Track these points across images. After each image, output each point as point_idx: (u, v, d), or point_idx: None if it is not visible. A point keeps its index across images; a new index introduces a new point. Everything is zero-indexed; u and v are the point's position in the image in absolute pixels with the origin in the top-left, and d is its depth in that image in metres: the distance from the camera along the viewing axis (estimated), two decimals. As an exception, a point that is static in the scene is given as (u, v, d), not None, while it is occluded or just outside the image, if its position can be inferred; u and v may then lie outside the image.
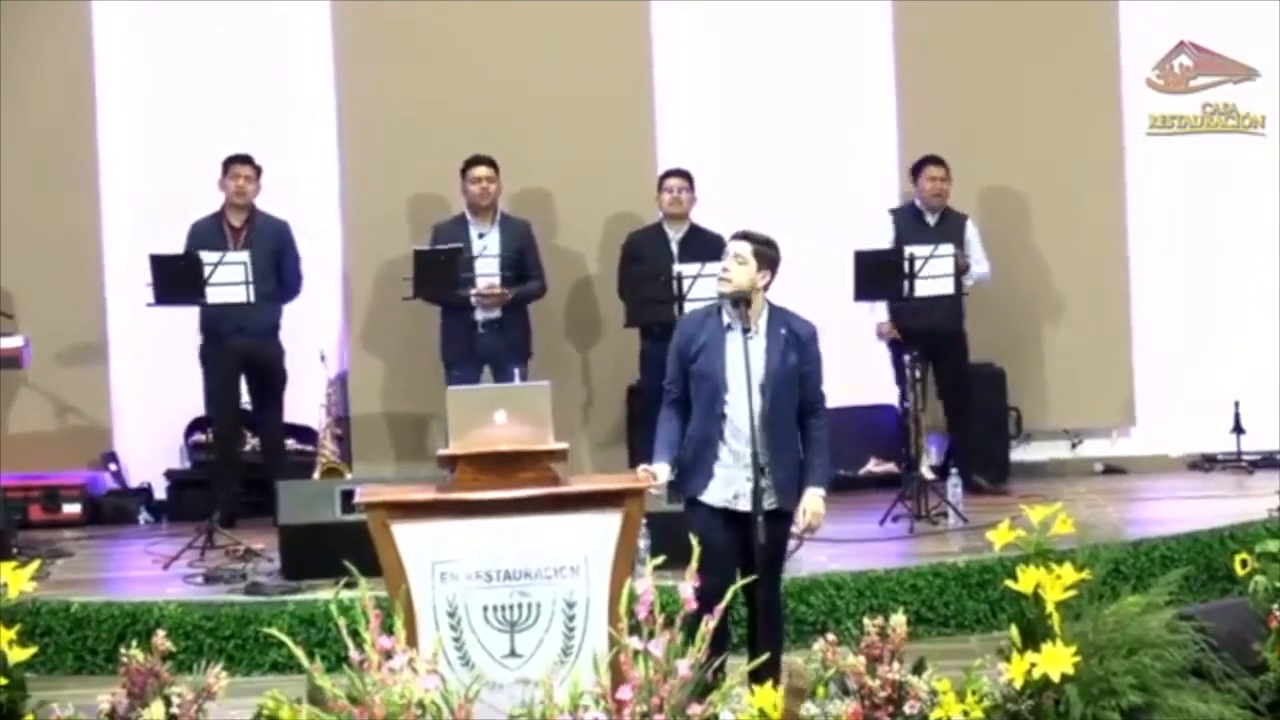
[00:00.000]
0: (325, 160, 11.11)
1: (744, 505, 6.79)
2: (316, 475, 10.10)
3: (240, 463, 10.48)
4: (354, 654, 6.18)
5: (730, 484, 6.84)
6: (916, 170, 10.66)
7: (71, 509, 10.69)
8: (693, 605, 6.21)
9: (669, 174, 10.41)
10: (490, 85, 10.91)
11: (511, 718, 6.32)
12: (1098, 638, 6.43)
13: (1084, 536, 6.83)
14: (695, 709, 6.09)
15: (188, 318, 10.13)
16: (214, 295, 9.55)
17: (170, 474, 11.01)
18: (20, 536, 9.73)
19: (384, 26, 10.98)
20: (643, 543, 7.13)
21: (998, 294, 10.97)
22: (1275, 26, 11.26)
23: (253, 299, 9.62)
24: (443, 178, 10.37)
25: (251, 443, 10.68)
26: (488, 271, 10.02)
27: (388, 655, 6.11)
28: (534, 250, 10.32)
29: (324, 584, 7.89)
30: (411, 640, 6.32)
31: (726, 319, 6.92)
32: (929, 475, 9.95)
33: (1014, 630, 6.47)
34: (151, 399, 11.07)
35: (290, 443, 10.76)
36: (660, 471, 6.84)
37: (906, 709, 6.33)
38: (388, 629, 6.25)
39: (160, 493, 11.00)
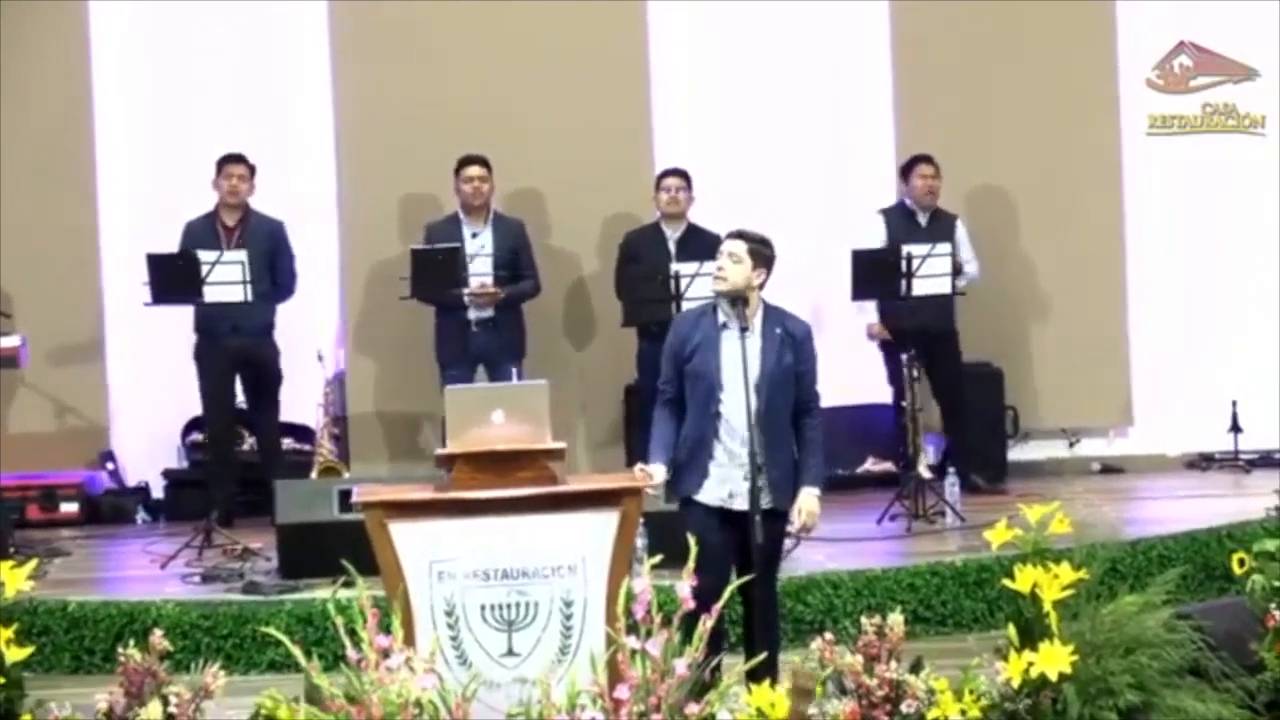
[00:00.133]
0: (323, 160, 11.10)
1: (739, 505, 6.79)
2: (314, 475, 10.10)
3: (237, 462, 10.48)
4: (351, 653, 6.18)
5: (725, 483, 6.84)
6: (907, 170, 10.66)
7: (69, 508, 10.69)
8: (690, 604, 6.22)
9: (666, 173, 10.41)
10: (488, 85, 10.90)
11: (509, 717, 6.32)
12: (1095, 637, 6.42)
13: (1081, 536, 6.83)
14: (692, 708, 6.09)
15: (185, 317, 10.13)
16: (211, 294, 9.55)
17: (168, 473, 11.01)
18: (18, 536, 9.74)
19: (381, 27, 10.97)
20: (640, 542, 7.14)
21: (996, 293, 10.97)
22: (1275, 26, 11.25)
23: (250, 298, 9.62)
24: (440, 178, 10.36)
25: (249, 442, 10.68)
26: (480, 271, 10.02)
27: (385, 654, 6.11)
28: (528, 250, 10.31)
29: (321, 583, 7.87)
30: (409, 639, 6.32)
31: (721, 318, 6.92)
32: (926, 474, 9.96)
33: (1011, 629, 6.47)
34: (149, 398, 11.08)
35: (288, 442, 10.77)
36: (656, 472, 6.84)
37: (904, 708, 6.32)
38: (385, 628, 6.25)
39: (158, 492, 11.00)
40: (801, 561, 8.57)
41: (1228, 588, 7.99)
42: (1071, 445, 11.46)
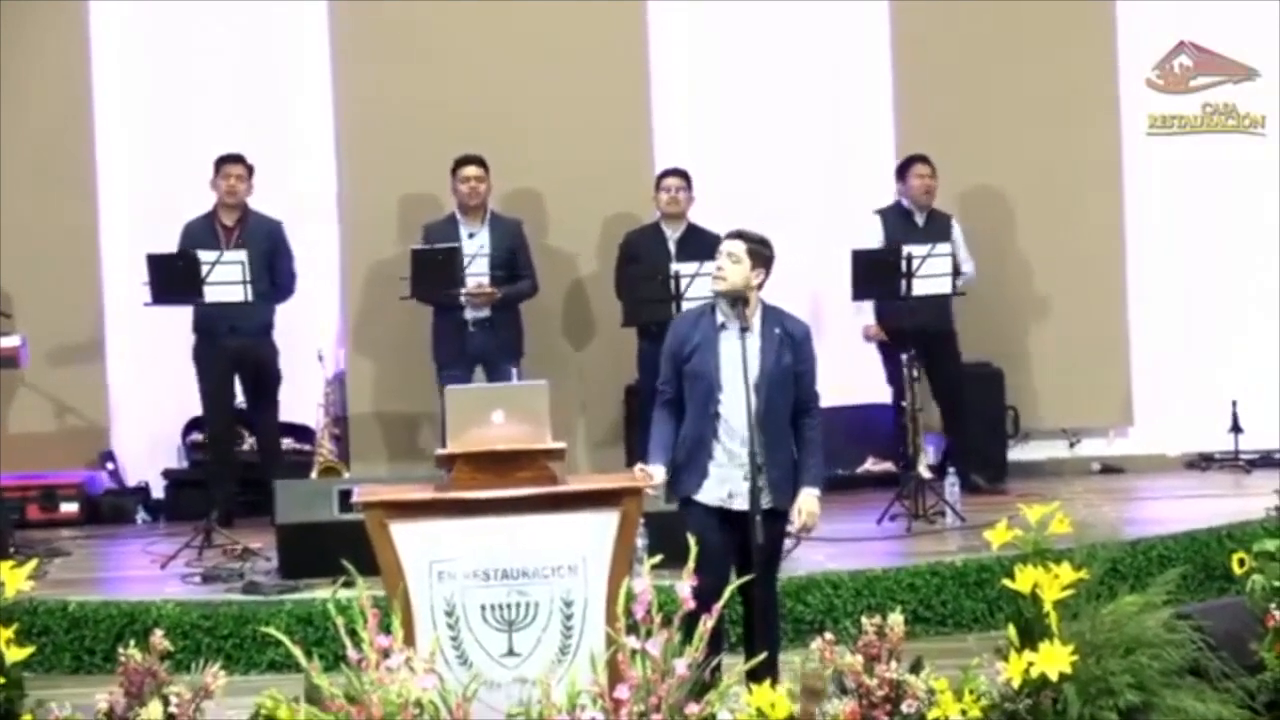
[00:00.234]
0: (323, 160, 11.10)
1: (739, 505, 6.79)
2: (314, 475, 10.10)
3: (237, 462, 10.48)
4: (352, 653, 6.18)
5: (725, 483, 6.84)
6: (903, 170, 10.66)
7: (69, 508, 10.69)
8: (690, 604, 6.22)
9: (666, 173, 10.41)
10: (488, 85, 10.90)
11: (509, 717, 6.32)
12: (1095, 637, 6.43)
13: (1082, 536, 6.83)
14: (693, 708, 6.09)
15: (184, 317, 10.13)
16: (212, 294, 9.55)
17: (168, 473, 11.01)
18: (18, 536, 9.74)
19: (382, 27, 10.97)
20: (640, 542, 7.13)
21: (996, 293, 10.97)
22: (1275, 26, 11.25)
23: (251, 298, 9.62)
24: (440, 178, 10.35)
25: (249, 442, 10.68)
26: (477, 271, 10.01)
27: (385, 654, 6.11)
28: (525, 250, 10.30)
29: (321, 583, 7.87)
30: (409, 639, 6.33)
31: (720, 318, 6.92)
32: (926, 474, 9.96)
33: (1012, 629, 6.47)
34: (149, 398, 11.08)
35: (288, 442, 10.77)
36: (656, 472, 6.84)
37: (904, 708, 6.33)
38: (385, 628, 6.25)
39: (158, 492, 11.00)
40: (802, 561, 8.57)
41: (1228, 588, 7.99)
42: (1072, 445, 11.46)
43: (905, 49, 11.27)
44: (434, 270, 9.83)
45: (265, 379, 10.37)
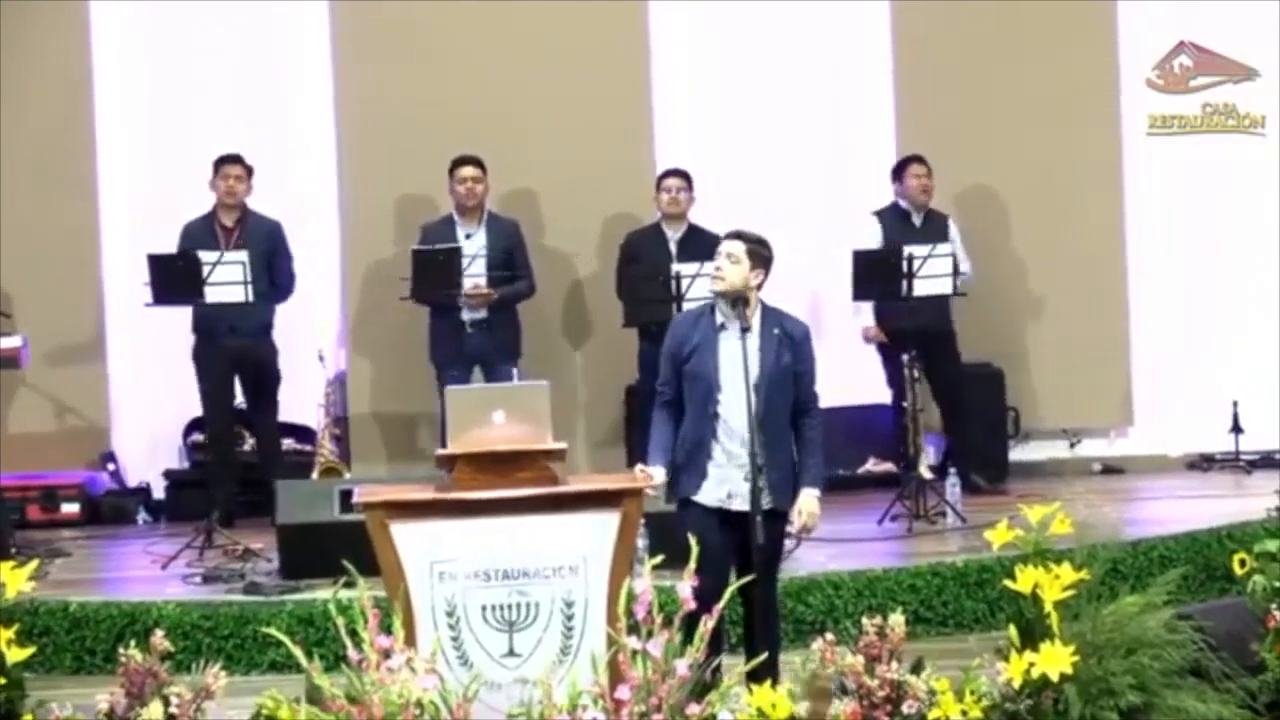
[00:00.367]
0: (323, 161, 11.10)
1: (738, 505, 6.79)
2: (315, 475, 10.11)
3: (238, 462, 10.48)
4: (352, 653, 6.18)
5: (724, 484, 6.84)
6: (899, 171, 10.66)
7: (70, 509, 10.69)
8: (691, 605, 6.22)
9: (667, 174, 10.41)
10: (488, 85, 10.90)
11: (510, 717, 6.32)
12: (1096, 637, 6.43)
13: (1082, 536, 6.84)
14: (693, 709, 6.09)
15: (184, 317, 10.12)
16: (212, 295, 9.55)
17: (169, 474, 11.01)
18: (18, 536, 9.74)
19: (382, 27, 10.97)
20: (641, 542, 7.12)
21: (996, 294, 10.97)
22: (1275, 26, 11.25)
23: (251, 298, 9.62)
24: (441, 178, 10.34)
25: (250, 442, 10.68)
26: (474, 272, 10.00)
27: (386, 655, 6.11)
28: (523, 250, 10.30)
29: (322, 583, 7.88)
30: (410, 640, 6.33)
31: (720, 319, 6.92)
32: (927, 475, 9.96)
33: (1012, 630, 6.47)
34: (150, 399, 11.08)
35: (289, 442, 10.78)
36: (656, 473, 6.84)
37: (905, 709, 6.33)
38: (386, 628, 6.25)
39: (159, 492, 11.00)
40: (802, 562, 8.57)
41: (1229, 588, 7.98)
42: (1072, 445, 11.45)
43: (905, 49, 11.27)
44: (434, 271, 9.83)
45: (265, 379, 10.37)
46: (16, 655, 6.52)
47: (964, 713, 6.34)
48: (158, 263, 9.60)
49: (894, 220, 10.57)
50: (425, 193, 10.70)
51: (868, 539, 9.37)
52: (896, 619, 6.55)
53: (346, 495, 8.23)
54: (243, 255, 9.65)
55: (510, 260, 10.20)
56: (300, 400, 10.60)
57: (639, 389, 10.27)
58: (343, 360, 11.04)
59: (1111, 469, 11.31)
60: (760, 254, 6.92)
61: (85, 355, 10.99)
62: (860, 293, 10.09)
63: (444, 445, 6.82)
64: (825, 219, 11.10)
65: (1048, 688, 6.29)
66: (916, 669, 6.47)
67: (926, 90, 11.19)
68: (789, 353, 6.90)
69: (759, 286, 6.93)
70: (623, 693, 6.10)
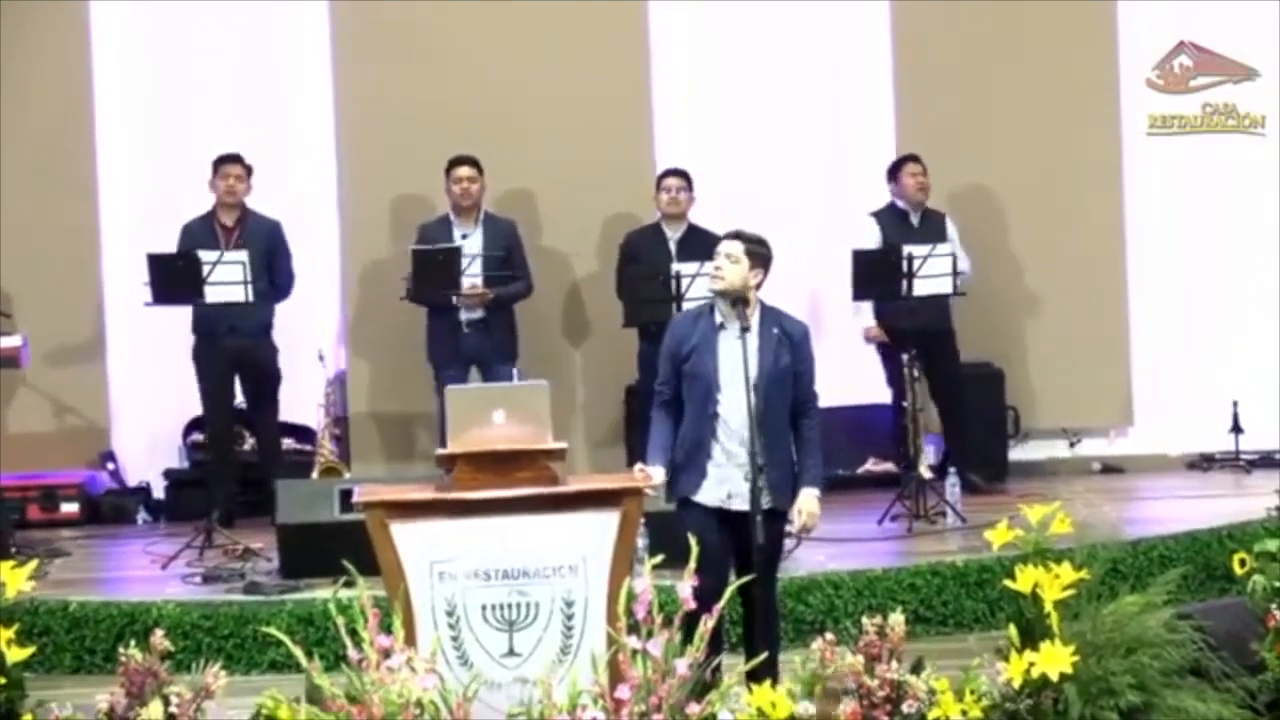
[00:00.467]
0: (323, 160, 11.10)
1: (738, 505, 6.79)
2: (315, 475, 10.11)
3: (238, 462, 10.49)
4: (352, 653, 6.18)
5: (724, 483, 6.84)
6: (894, 170, 10.66)
7: (69, 508, 10.69)
8: (691, 604, 6.22)
9: (667, 174, 10.41)
10: (488, 85, 10.90)
11: (510, 717, 6.32)
12: (1096, 637, 6.43)
13: (1082, 536, 6.84)
14: (693, 708, 6.09)
15: (184, 317, 10.12)
16: (212, 294, 9.55)
17: (168, 473, 11.01)
18: (18, 536, 9.74)
19: (382, 27, 10.97)
20: (641, 542, 7.12)
21: (996, 293, 10.98)
22: (1275, 26, 11.25)
23: (251, 298, 9.62)
24: (440, 178, 10.35)
25: (249, 442, 10.68)
26: (470, 272, 10.00)
27: (386, 654, 6.11)
28: (519, 250, 10.29)
29: (322, 583, 7.88)
30: (410, 639, 6.33)
31: (719, 318, 6.92)
32: (927, 475, 9.96)
33: (1012, 630, 6.47)
34: (149, 398, 11.08)
35: (289, 442, 10.78)
36: (655, 473, 6.84)
37: (905, 708, 6.33)
38: (386, 628, 6.25)
39: (158, 492, 11.00)
40: (802, 562, 8.57)
41: (1229, 588, 7.98)
42: (1072, 445, 11.45)
43: (905, 49, 11.27)
44: (434, 271, 9.83)
45: (265, 379, 10.37)
46: (16, 655, 6.52)
47: (964, 712, 6.34)
48: (157, 262, 9.60)
49: (892, 220, 10.57)
50: (425, 193, 10.70)
51: (867, 539, 9.37)
52: (896, 619, 6.55)
53: (346, 495, 8.23)
54: (242, 255, 9.65)
55: (507, 260, 10.19)
56: (300, 400, 10.59)
57: (639, 389, 10.27)
58: (343, 360, 11.04)
59: (1111, 469, 11.31)
60: (759, 254, 6.92)
61: (85, 355, 11.00)
62: (860, 292, 10.09)
63: (443, 445, 6.81)
64: (825, 219, 11.10)
65: (1047, 687, 6.29)
66: (916, 669, 6.47)
67: (926, 90, 11.19)
68: (788, 352, 6.89)
69: (758, 286, 6.93)
70: (623, 692, 6.10)
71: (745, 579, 6.62)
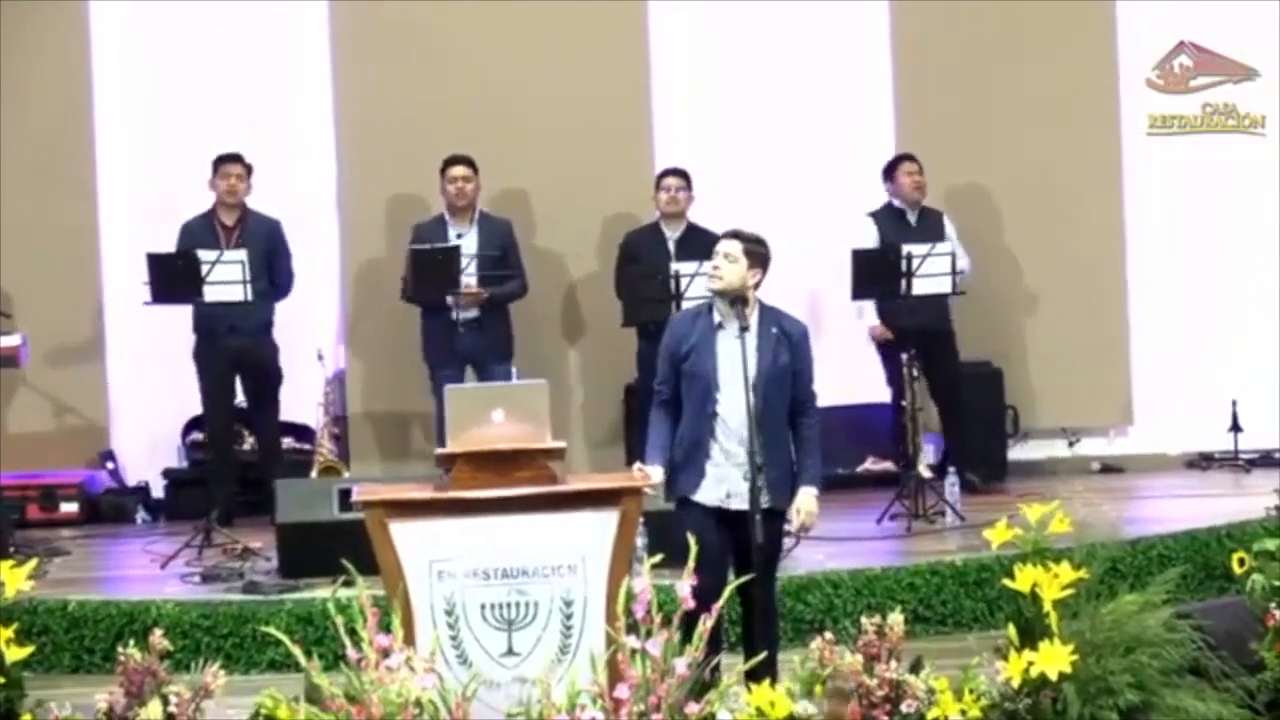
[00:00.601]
0: (323, 160, 11.11)
1: (736, 504, 6.79)
2: (314, 474, 10.10)
3: (237, 461, 10.49)
4: (351, 653, 6.18)
5: (722, 483, 6.84)
6: (890, 170, 10.65)
7: (69, 508, 10.69)
8: (690, 604, 6.22)
9: (666, 173, 10.41)
10: (488, 85, 10.90)
11: (509, 716, 6.32)
12: (1095, 636, 6.43)
13: (1081, 535, 6.83)
14: (692, 708, 6.09)
15: (184, 317, 10.12)
16: (211, 294, 9.55)
17: (168, 473, 11.01)
18: (18, 535, 9.74)
19: (382, 27, 10.97)
20: (640, 541, 7.14)
21: (996, 293, 10.98)
22: (1275, 26, 11.25)
23: (250, 297, 9.62)
24: (440, 178, 10.35)
25: (249, 442, 10.69)
26: (465, 271, 9.98)
27: (385, 654, 6.11)
28: (515, 249, 10.28)
29: (321, 582, 7.87)
30: (409, 639, 6.32)
31: (718, 318, 6.92)
32: (926, 474, 9.96)
33: (1011, 629, 6.47)
34: (149, 398, 11.08)
35: (288, 441, 10.78)
36: (654, 473, 6.84)
37: (904, 708, 6.33)
38: (385, 627, 6.25)
39: (158, 491, 11.00)
40: (801, 561, 8.57)
41: (1228, 587, 7.98)
42: (1071, 445, 11.45)
43: (905, 49, 11.27)
44: (433, 270, 9.83)
45: (265, 378, 10.37)
46: (15, 654, 6.52)
47: (963, 712, 6.34)
48: (157, 262, 9.60)
49: (889, 220, 10.57)
50: (425, 193, 10.69)
51: (866, 538, 9.37)
52: (895, 618, 6.55)
53: (345, 494, 8.22)
54: (242, 254, 9.65)
55: (502, 260, 10.18)
56: (300, 399, 10.59)
57: (638, 388, 10.27)
58: (342, 359, 11.04)
59: (1110, 468, 11.31)
60: (758, 253, 6.92)
61: (85, 355, 11.00)
62: (860, 292, 10.08)
63: (441, 444, 6.82)
64: (825, 219, 11.10)
65: (1046, 687, 6.29)
66: (915, 668, 6.47)
67: (926, 90, 11.19)
68: (787, 352, 6.90)
69: (757, 286, 6.93)
70: (621, 692, 6.10)
71: (744, 578, 6.62)
